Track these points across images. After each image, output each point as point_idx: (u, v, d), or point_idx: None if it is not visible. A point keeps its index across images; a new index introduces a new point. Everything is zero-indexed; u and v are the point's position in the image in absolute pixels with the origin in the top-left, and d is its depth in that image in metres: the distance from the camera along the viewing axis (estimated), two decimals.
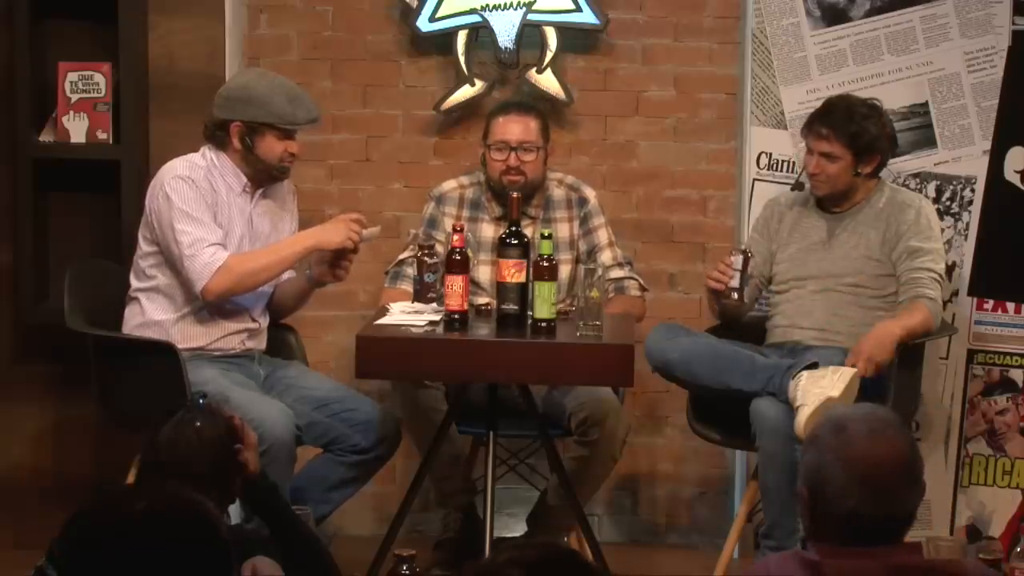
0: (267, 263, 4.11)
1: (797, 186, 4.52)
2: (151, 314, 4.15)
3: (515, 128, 4.40)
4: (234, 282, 4.06)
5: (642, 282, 4.50)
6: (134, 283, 4.21)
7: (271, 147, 4.14)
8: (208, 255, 4.04)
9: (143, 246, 4.18)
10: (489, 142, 4.42)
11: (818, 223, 4.37)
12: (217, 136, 4.16)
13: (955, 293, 4.72)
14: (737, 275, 4.20)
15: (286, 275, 4.25)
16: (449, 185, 4.53)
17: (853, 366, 3.98)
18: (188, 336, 4.14)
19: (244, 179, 4.17)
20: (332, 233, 4.12)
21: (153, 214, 4.13)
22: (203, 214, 4.08)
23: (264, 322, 4.29)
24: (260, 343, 4.29)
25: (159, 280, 4.15)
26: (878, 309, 4.25)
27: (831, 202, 4.36)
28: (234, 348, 4.20)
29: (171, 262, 4.11)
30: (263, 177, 4.20)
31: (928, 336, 4.26)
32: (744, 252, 4.22)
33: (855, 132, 4.24)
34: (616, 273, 4.46)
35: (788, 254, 4.39)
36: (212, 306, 4.13)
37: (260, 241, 4.22)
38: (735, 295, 4.21)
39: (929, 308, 4.16)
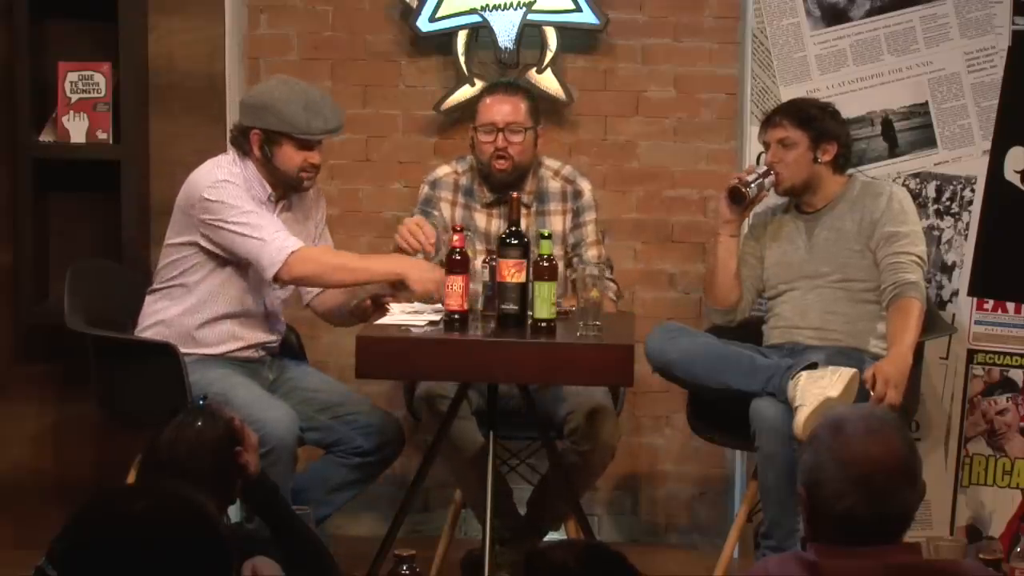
0: (350, 265, 4.04)
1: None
2: (172, 315, 4.13)
3: (502, 109, 4.29)
4: (310, 271, 4.00)
5: (619, 288, 4.47)
6: (159, 283, 4.19)
7: (289, 157, 4.08)
8: (280, 240, 3.97)
9: (173, 252, 4.15)
10: (476, 124, 4.33)
11: (797, 226, 4.36)
12: (240, 143, 4.12)
13: (955, 293, 4.72)
14: (756, 175, 4.25)
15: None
16: (443, 171, 4.45)
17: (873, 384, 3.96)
18: (208, 342, 4.13)
19: (268, 188, 4.14)
20: (425, 279, 3.95)
21: (198, 216, 4.06)
22: (257, 207, 4.05)
23: (281, 334, 4.29)
24: (274, 351, 4.30)
25: (186, 281, 4.13)
26: (871, 302, 4.24)
27: (802, 200, 4.35)
28: (250, 356, 4.20)
29: (236, 258, 4.06)
30: (285, 187, 4.16)
31: (926, 336, 4.27)
32: (770, 166, 4.27)
33: (807, 116, 4.28)
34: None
35: (773, 260, 4.39)
36: (236, 317, 4.13)
37: None
38: (744, 186, 4.24)
39: (916, 298, 4.14)
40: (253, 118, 4.10)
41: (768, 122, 4.33)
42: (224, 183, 4.05)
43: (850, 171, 4.40)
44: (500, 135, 4.29)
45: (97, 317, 4.23)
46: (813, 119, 4.28)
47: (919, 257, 4.21)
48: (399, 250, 4.09)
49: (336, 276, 4.05)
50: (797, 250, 4.34)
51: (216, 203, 4.03)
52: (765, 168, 4.29)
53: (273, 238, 3.98)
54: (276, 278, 3.99)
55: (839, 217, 4.30)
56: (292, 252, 3.97)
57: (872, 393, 3.94)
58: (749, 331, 4.44)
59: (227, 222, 4.03)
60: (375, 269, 4.07)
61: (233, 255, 4.07)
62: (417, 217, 4.19)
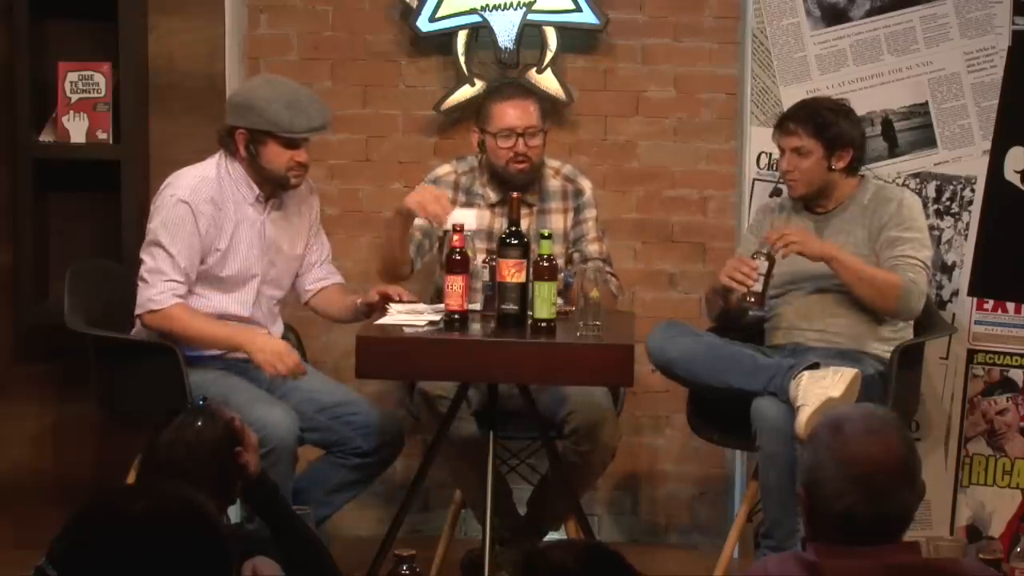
0: (197, 334, 4.07)
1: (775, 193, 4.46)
2: None
3: (520, 113, 4.30)
4: (166, 331, 4.07)
5: (620, 283, 4.47)
6: None
7: (275, 156, 4.08)
8: (156, 291, 4.04)
9: None
10: (493, 130, 4.30)
11: (806, 225, 4.35)
12: (227, 143, 4.13)
13: (955, 293, 4.72)
14: (761, 280, 4.14)
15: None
16: (444, 170, 4.43)
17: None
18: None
19: (256, 189, 4.15)
20: (267, 352, 4.01)
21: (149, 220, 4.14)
22: (181, 245, 4.05)
23: (280, 335, 4.29)
24: None
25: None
26: None
27: (814, 202, 4.35)
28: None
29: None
30: (273, 186, 4.16)
31: (927, 336, 4.26)
32: (769, 256, 4.14)
33: (822, 123, 4.25)
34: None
35: (778, 260, 4.37)
36: (230, 321, 4.14)
37: (271, 250, 4.18)
38: (754, 299, 4.15)
39: (903, 283, 4.14)
40: (237, 117, 4.10)
41: (782, 127, 4.30)
42: (177, 204, 4.07)
43: (862, 171, 4.39)
44: (520, 140, 4.29)
45: (97, 317, 4.23)
46: (828, 125, 4.24)
47: (922, 262, 4.20)
48: (407, 214, 4.14)
49: (183, 340, 4.08)
50: None
51: (155, 216, 4.09)
52: (767, 263, 4.12)
53: (154, 284, 4.04)
54: (136, 319, 4.10)
55: (850, 220, 4.29)
56: (154, 310, 4.04)
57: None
58: (751, 331, 4.44)
59: (145, 241, 4.11)
60: (217, 337, 4.09)
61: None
62: (434, 189, 4.21)
